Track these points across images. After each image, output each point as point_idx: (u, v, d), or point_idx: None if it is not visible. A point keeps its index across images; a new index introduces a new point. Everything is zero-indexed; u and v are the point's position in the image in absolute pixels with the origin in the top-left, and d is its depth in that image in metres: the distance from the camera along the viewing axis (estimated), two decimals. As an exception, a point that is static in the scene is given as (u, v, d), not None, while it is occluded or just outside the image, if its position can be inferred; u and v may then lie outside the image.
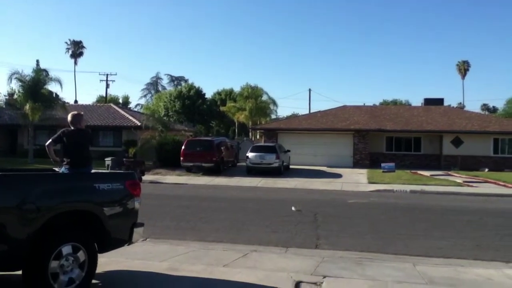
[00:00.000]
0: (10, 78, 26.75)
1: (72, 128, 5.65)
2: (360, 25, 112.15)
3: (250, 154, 23.02)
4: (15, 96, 34.26)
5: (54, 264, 4.22)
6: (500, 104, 71.79)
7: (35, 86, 26.83)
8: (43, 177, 4.83)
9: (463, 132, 28.17)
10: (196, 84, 55.87)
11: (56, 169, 6.02)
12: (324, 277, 5.63)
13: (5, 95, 38.72)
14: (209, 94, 58.88)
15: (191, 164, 22.56)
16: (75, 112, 5.86)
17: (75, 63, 69.63)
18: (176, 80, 74.33)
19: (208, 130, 54.12)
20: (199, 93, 54.20)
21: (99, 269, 5.00)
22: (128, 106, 63.37)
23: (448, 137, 28.38)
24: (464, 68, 68.52)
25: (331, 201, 14.45)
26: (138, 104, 72.39)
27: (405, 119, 30.99)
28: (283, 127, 31.62)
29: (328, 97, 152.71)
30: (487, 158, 27.91)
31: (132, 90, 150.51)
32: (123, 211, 5.07)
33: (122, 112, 33.87)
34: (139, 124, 29.42)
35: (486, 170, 26.34)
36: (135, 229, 5.21)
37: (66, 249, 4.34)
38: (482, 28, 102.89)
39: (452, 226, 10.14)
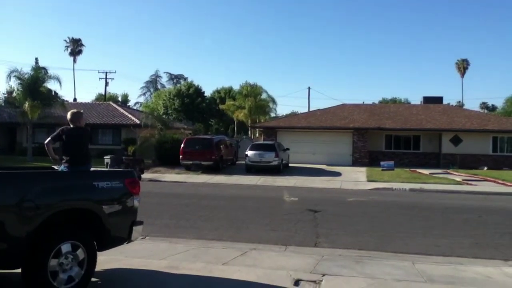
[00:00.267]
0: (9, 76, 26.78)
1: (72, 126, 5.64)
2: (360, 23, 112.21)
3: (249, 152, 23.02)
4: (14, 94, 34.30)
5: (53, 262, 4.22)
6: (499, 103, 71.87)
7: (34, 84, 26.81)
8: (42, 175, 4.82)
9: (462, 130, 28.20)
10: (196, 82, 56.04)
11: (55, 167, 6.01)
12: (324, 275, 5.63)
13: (4, 93, 38.82)
14: (208, 92, 58.97)
15: (190, 162, 22.56)
16: (75, 110, 5.84)
17: (74, 61, 69.79)
18: (175, 78, 74.35)
19: (207, 128, 54.05)
20: (198, 91, 54.21)
21: (99, 267, 5.01)
22: (128, 104, 63.34)
23: (447, 135, 28.41)
24: (463, 67, 68.57)
25: (331, 199, 14.46)
26: (137, 102, 72.64)
27: (404, 117, 30.99)
28: (282, 125, 31.61)
29: (328, 95, 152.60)
30: (486, 156, 27.95)
31: (131, 88, 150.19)
32: (122, 209, 5.07)
33: (121, 110, 33.82)
34: (138, 122, 29.41)
35: (485, 168, 26.42)
36: (134, 227, 5.22)
37: (66, 247, 4.35)
38: (481, 27, 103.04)
39: (451, 224, 10.16)
